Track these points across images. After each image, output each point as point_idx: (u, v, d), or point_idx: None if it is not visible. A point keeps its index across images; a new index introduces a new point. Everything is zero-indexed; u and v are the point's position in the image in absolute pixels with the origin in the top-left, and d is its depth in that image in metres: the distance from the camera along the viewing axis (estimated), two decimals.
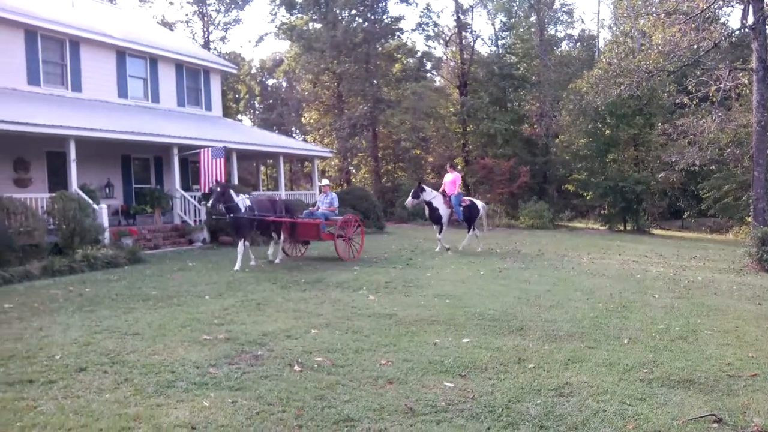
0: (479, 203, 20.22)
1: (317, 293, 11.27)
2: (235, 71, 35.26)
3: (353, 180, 47.52)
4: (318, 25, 44.06)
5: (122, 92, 23.97)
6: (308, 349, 7.27)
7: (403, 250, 18.94)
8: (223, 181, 18.90)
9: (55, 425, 4.98)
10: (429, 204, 18.99)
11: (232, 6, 51.18)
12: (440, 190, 19.60)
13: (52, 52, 21.55)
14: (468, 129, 44.91)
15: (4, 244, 13.61)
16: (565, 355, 7.29)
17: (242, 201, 14.88)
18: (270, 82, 61.02)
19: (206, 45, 48.87)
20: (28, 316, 9.23)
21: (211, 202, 14.54)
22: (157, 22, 44.36)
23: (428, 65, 48.72)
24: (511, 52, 47.28)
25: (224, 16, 51.85)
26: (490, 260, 17.15)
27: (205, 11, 50.92)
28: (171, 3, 62.49)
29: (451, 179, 19.64)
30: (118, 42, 23.52)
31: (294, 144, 31.65)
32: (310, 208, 17.57)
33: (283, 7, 45.55)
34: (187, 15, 57.10)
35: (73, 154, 18.11)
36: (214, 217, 15.37)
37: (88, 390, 5.84)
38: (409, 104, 40.85)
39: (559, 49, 51.20)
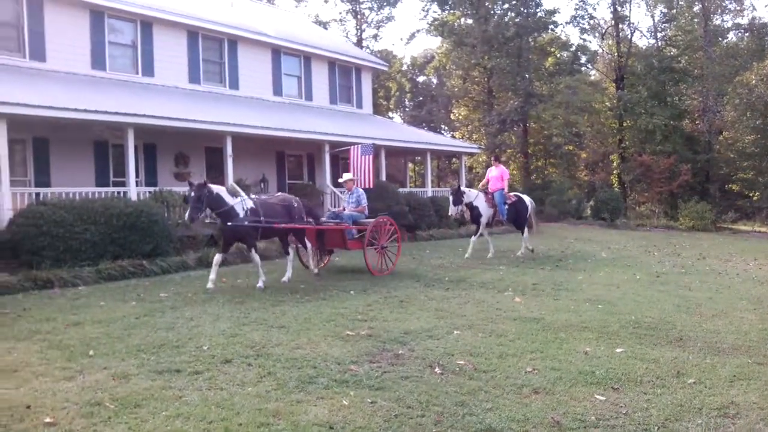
0: (527, 199, 17.81)
1: (460, 293, 11.03)
2: (386, 68, 35.55)
3: None
4: (469, 21, 43.72)
5: (277, 90, 24.70)
6: (450, 351, 7.05)
7: (552, 251, 18.31)
8: (372, 177, 18.99)
9: (197, 416, 5.05)
10: (469, 205, 16.86)
11: (385, 3, 51.67)
12: (480, 186, 17.50)
13: (212, 52, 22.52)
14: (624, 124, 43.08)
15: (163, 236, 14.27)
16: (729, 370, 6.65)
17: (241, 204, 11.62)
18: (420, 78, 61.22)
19: (359, 43, 49.61)
20: (180, 306, 9.59)
21: (188, 214, 10.99)
22: (312, 21, 45.53)
23: (583, 59, 47.09)
24: (671, 44, 44.88)
25: (377, 14, 52.47)
26: (647, 263, 16.26)
27: (358, 9, 51.75)
28: (325, 1, 63.99)
29: (497, 174, 17.31)
30: (274, 41, 24.25)
31: (442, 140, 31.53)
32: (334, 209, 14.56)
33: (435, 3, 45.65)
34: (340, 13, 58.39)
35: (229, 149, 18.83)
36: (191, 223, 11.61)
37: (232, 382, 5.91)
38: (562, 99, 39.65)
39: (726, 40, 47.99)
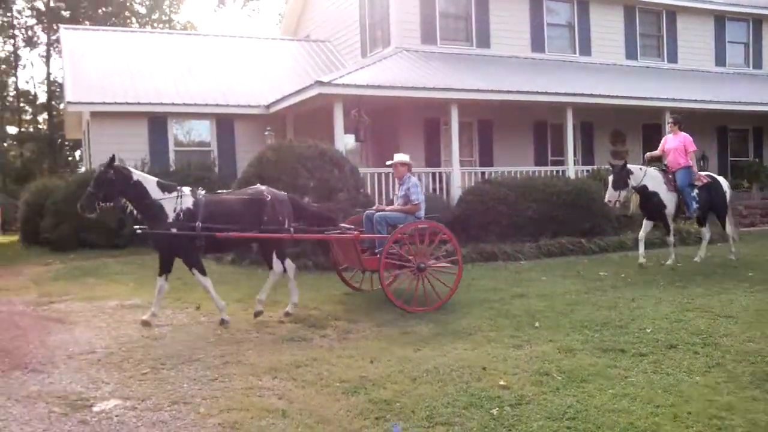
0: (724, 183, 12.30)
1: None
2: None
3: None
4: None
5: (719, 60, 23.01)
6: None
7: None
8: None
9: (643, 399, 5.03)
10: (642, 190, 11.45)
11: None
12: (647, 156, 12.63)
13: (649, 26, 21.86)
14: None
15: (601, 214, 14.33)
16: None
17: (173, 201, 7.83)
18: None
19: None
20: (620, 286, 9.64)
21: (81, 200, 7.67)
22: None
23: None
24: None
25: None
26: None
27: None
28: None
29: (677, 144, 11.78)
30: (717, 6, 22.59)
31: None
32: (375, 207, 9.84)
33: None
34: None
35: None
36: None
37: (678, 369, 5.76)
38: None
39: None
